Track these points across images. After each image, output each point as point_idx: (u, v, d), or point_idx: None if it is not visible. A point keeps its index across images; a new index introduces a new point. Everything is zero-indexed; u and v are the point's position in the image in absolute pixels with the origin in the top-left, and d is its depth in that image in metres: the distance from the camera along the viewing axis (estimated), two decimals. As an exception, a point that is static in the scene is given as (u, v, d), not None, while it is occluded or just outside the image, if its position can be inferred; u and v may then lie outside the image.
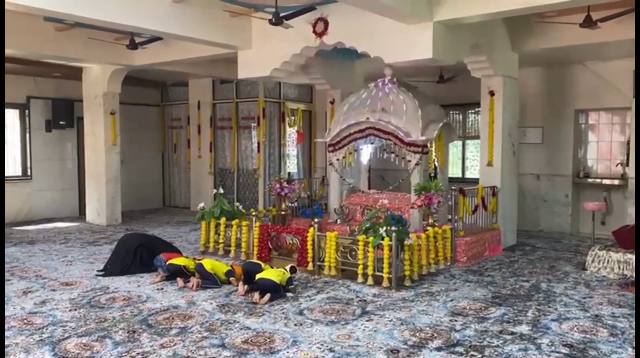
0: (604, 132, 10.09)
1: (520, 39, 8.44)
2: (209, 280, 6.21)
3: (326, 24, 7.55)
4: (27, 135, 11.56)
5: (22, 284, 6.37)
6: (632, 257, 6.59)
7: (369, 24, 7.05)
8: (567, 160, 10.11)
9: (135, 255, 6.99)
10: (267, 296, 5.63)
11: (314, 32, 7.65)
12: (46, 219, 11.45)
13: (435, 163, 7.97)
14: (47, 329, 4.81)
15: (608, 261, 6.87)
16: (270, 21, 6.47)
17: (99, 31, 8.48)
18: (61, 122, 11.73)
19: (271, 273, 5.92)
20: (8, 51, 8.52)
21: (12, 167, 11.47)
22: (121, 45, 8.80)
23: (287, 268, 6.18)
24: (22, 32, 8.14)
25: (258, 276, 5.90)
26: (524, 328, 4.88)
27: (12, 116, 11.42)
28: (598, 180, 9.94)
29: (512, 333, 4.77)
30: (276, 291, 5.73)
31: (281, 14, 6.55)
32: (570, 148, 10.08)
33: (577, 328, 4.90)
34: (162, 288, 6.18)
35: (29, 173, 11.60)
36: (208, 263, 6.36)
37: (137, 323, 4.96)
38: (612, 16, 6.83)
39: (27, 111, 11.50)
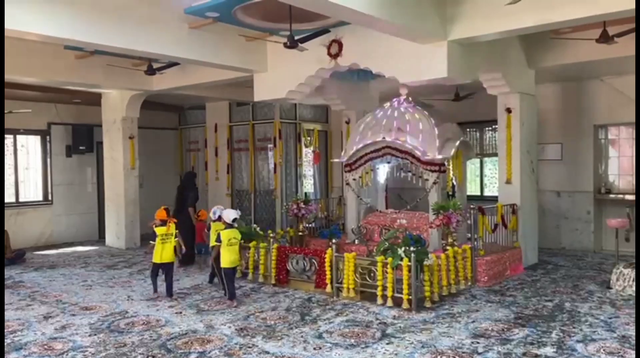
0: (624, 147, 9.94)
1: (536, 55, 8.40)
2: None
3: (340, 45, 7.60)
4: (48, 160, 11.76)
5: (43, 309, 6.41)
6: (658, 275, 6.42)
7: (383, 44, 7.08)
8: (587, 176, 9.96)
9: None
10: None
11: (329, 54, 7.70)
12: (66, 244, 11.57)
13: (453, 181, 7.91)
14: (67, 354, 4.83)
15: (633, 279, 6.69)
16: (285, 44, 6.54)
17: (117, 58, 8.65)
18: (81, 148, 11.93)
19: None
20: (29, 79, 8.75)
21: (34, 192, 11.67)
22: (139, 71, 8.96)
23: None
24: (43, 60, 8.35)
25: None
26: (548, 350, 4.76)
27: (33, 142, 11.66)
28: (620, 196, 9.76)
29: (537, 355, 4.66)
30: None
31: (296, 37, 6.62)
32: (590, 163, 9.94)
33: (604, 350, 4.77)
34: (181, 312, 6.17)
35: (49, 198, 11.77)
36: None
37: (156, 348, 4.95)
38: (628, 31, 6.77)
39: (48, 137, 11.72)
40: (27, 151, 11.58)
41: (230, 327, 5.57)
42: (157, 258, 6.85)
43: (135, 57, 8.49)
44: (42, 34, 5.95)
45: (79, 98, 11.23)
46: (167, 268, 6.93)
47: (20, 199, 11.35)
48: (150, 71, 8.46)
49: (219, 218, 7.30)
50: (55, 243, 11.55)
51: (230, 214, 6.83)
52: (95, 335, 5.38)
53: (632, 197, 9.58)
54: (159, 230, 6.86)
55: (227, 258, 6.53)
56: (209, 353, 4.82)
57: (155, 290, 6.99)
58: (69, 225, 11.95)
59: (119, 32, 6.55)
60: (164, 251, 6.84)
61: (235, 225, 6.82)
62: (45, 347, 5.05)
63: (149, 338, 5.23)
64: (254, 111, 12.61)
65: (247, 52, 8.11)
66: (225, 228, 6.67)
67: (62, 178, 11.90)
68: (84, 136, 11.96)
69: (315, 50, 7.59)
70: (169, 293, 6.87)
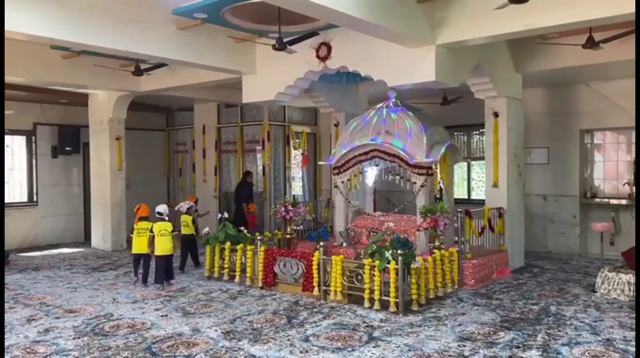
0: (610, 152, 10.05)
1: (523, 60, 8.47)
2: None
3: (329, 48, 7.61)
4: (34, 161, 11.64)
5: (26, 312, 6.32)
6: (642, 278, 6.48)
7: (371, 48, 7.09)
8: (573, 180, 10.06)
9: None
10: None
11: (318, 56, 7.71)
12: (51, 245, 11.45)
13: (441, 184, 7.93)
14: (50, 358, 4.76)
15: (618, 283, 6.76)
16: (274, 47, 6.53)
17: (104, 58, 8.58)
18: (67, 148, 11.83)
19: None
20: (15, 79, 8.64)
21: (19, 193, 11.54)
22: (127, 71, 8.89)
23: None
24: (29, 60, 8.25)
25: None
26: (534, 354, 4.79)
27: (18, 143, 11.53)
28: (605, 200, 9.86)
29: (522, 358, 4.68)
30: None
31: (285, 40, 6.61)
32: (576, 168, 10.04)
33: (589, 353, 4.80)
34: (167, 315, 6.12)
35: (35, 199, 11.64)
36: None
37: (141, 352, 4.90)
38: (614, 37, 6.85)
39: (33, 138, 11.60)
40: (12, 152, 11.44)
41: (216, 330, 5.53)
42: (134, 249, 7.83)
43: (122, 58, 8.44)
44: (28, 34, 5.88)
45: (66, 98, 11.13)
46: (144, 258, 7.74)
47: (5, 200, 11.19)
48: (138, 72, 8.40)
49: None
50: (40, 245, 11.42)
51: (157, 208, 7.91)
52: (79, 338, 5.31)
53: (617, 201, 9.70)
54: (139, 225, 7.74)
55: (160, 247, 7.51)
56: (195, 356, 4.78)
57: (136, 274, 7.85)
58: (55, 226, 11.82)
59: (106, 33, 6.49)
60: (139, 243, 7.70)
61: (166, 219, 7.78)
62: (28, 350, 4.97)
63: (134, 342, 5.18)
64: (243, 112, 12.58)
65: (236, 54, 8.09)
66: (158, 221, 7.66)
67: (48, 179, 11.78)
68: (71, 137, 11.86)
69: (304, 52, 7.58)
70: (144, 280, 7.68)
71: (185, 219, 8.83)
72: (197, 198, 9.66)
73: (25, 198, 11.59)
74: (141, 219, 7.79)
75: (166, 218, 7.75)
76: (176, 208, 9.06)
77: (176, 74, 9.30)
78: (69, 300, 6.90)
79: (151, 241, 7.57)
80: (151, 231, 7.53)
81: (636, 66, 6.37)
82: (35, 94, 10.49)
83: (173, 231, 7.72)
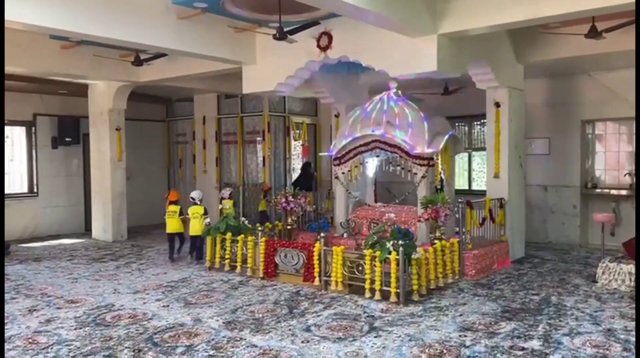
0: (611, 143, 10.02)
1: (525, 50, 8.42)
2: None
3: (330, 38, 7.56)
4: (34, 152, 11.61)
5: (28, 302, 6.33)
6: (643, 269, 6.48)
7: (373, 37, 7.05)
8: (574, 171, 10.04)
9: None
10: None
11: (318, 46, 7.66)
12: (52, 236, 11.45)
13: (442, 175, 7.92)
14: (52, 348, 4.77)
15: (619, 273, 6.76)
16: (274, 36, 6.49)
17: (104, 48, 8.54)
18: (67, 139, 11.79)
19: None
20: (14, 69, 8.59)
21: (19, 184, 11.52)
22: (126, 62, 8.85)
23: None
24: (28, 50, 8.20)
25: None
26: (535, 344, 4.80)
27: (18, 134, 11.49)
28: (606, 191, 9.84)
29: (523, 348, 4.68)
30: None
31: (285, 29, 6.57)
32: (577, 158, 10.01)
33: (590, 343, 4.81)
34: (168, 306, 6.13)
35: (35, 190, 11.63)
36: None
37: (143, 342, 4.91)
38: (617, 26, 6.80)
39: (33, 128, 11.56)
40: (11, 143, 11.41)
41: (217, 320, 5.54)
42: (167, 229, 8.82)
43: (122, 48, 8.39)
44: (27, 23, 5.82)
45: (65, 89, 11.08)
46: (178, 236, 8.80)
47: (5, 191, 11.18)
48: (138, 62, 8.37)
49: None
50: (40, 236, 11.42)
51: (191, 194, 9.05)
52: (80, 328, 5.32)
53: (617, 192, 9.69)
54: (170, 208, 8.78)
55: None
56: (196, 347, 4.79)
57: (170, 252, 8.79)
58: (55, 217, 11.82)
59: (106, 22, 6.45)
60: (170, 224, 8.71)
61: (198, 203, 8.84)
62: (30, 340, 4.98)
63: (136, 332, 5.19)
64: (243, 103, 12.53)
65: (236, 44, 8.04)
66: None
67: (48, 170, 11.76)
68: (70, 128, 11.83)
69: (304, 42, 7.53)
70: (170, 256, 8.77)
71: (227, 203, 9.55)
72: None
73: (25, 189, 11.57)
74: (171, 203, 8.85)
75: (198, 202, 8.77)
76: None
77: (176, 65, 9.25)
78: (70, 290, 6.91)
79: (186, 222, 8.69)
80: (180, 213, 8.69)
81: (636, 57, 6.34)
82: (34, 85, 10.44)
83: (204, 214, 8.61)
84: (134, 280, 7.46)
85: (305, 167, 11.86)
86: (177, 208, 8.71)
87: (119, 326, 5.39)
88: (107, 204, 11.04)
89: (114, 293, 6.76)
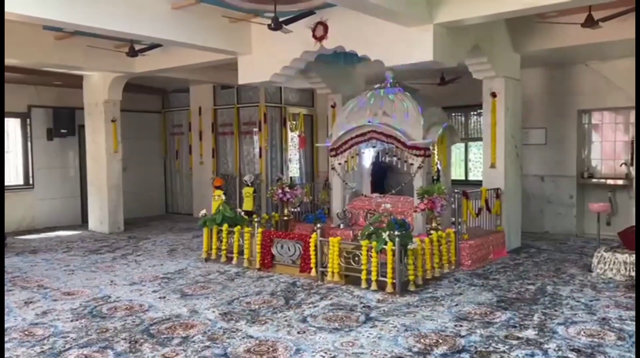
0: (607, 132, 10.03)
1: (521, 39, 8.39)
2: None
3: (326, 28, 7.51)
4: (29, 144, 11.56)
5: (24, 294, 6.33)
6: (638, 258, 6.51)
7: (368, 27, 7.01)
8: (571, 161, 10.05)
9: None
10: None
11: (314, 36, 7.62)
12: (48, 228, 11.44)
13: (438, 165, 7.91)
14: (48, 340, 4.77)
15: (614, 262, 6.79)
16: (269, 26, 6.45)
17: (98, 39, 8.47)
18: (62, 131, 11.74)
19: None
20: (8, 60, 8.51)
21: (14, 176, 11.48)
22: (121, 52, 8.79)
23: None
24: (22, 41, 8.14)
25: None
26: (530, 333, 4.82)
27: (13, 125, 11.43)
28: (602, 180, 9.87)
29: (519, 338, 4.70)
30: None
31: (280, 19, 6.53)
32: (574, 148, 10.02)
33: (584, 332, 4.83)
34: (164, 297, 6.14)
35: (30, 182, 11.60)
36: None
37: (139, 333, 4.92)
38: (613, 15, 6.77)
39: (28, 120, 11.50)
40: (7, 134, 11.35)
41: (214, 312, 5.55)
42: (212, 211, 9.18)
43: (117, 39, 8.34)
44: (21, 14, 5.78)
45: (60, 80, 11.01)
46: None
47: (0, 183, 11.16)
48: (132, 53, 8.30)
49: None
50: (37, 228, 11.41)
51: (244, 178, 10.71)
52: (77, 320, 5.32)
53: (613, 182, 9.71)
54: (215, 193, 9.89)
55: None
56: (192, 338, 4.79)
57: None
58: (51, 209, 11.79)
59: (100, 13, 6.40)
60: (215, 206, 9.11)
61: (249, 184, 10.44)
62: (26, 332, 4.98)
63: (132, 324, 5.19)
64: (239, 94, 12.49)
65: (231, 34, 7.99)
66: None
67: (44, 162, 11.72)
68: (66, 119, 11.76)
69: (300, 32, 7.49)
70: None
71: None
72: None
73: (21, 181, 11.53)
74: (216, 188, 10.02)
75: (249, 184, 10.40)
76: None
77: (171, 55, 9.20)
78: (67, 282, 6.91)
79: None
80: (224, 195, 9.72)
81: (636, 45, 6.32)
82: (29, 76, 10.37)
83: (254, 192, 10.22)
84: (131, 271, 7.47)
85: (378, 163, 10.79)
86: (220, 192, 9.74)
87: (115, 318, 5.39)
88: (103, 196, 11.02)
89: (110, 284, 6.75)
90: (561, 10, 6.89)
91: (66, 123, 11.77)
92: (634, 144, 9.16)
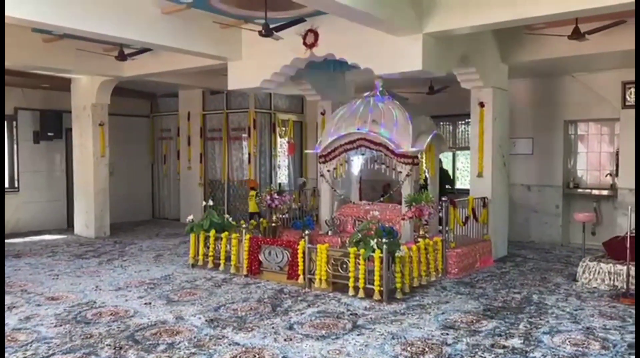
0: (593, 143, 10.16)
1: (509, 50, 8.49)
2: None
3: (316, 35, 7.54)
4: (15, 146, 11.44)
5: (7, 299, 6.23)
6: (622, 268, 6.56)
7: (359, 35, 7.05)
8: (557, 171, 10.15)
9: None
10: None
11: (304, 43, 7.64)
12: (33, 232, 11.30)
13: (426, 174, 7.96)
14: (31, 346, 4.70)
15: (599, 272, 6.85)
16: (260, 33, 6.46)
17: (87, 42, 8.43)
18: (49, 134, 11.64)
19: None
20: (-5, 62, 8.45)
21: (-1, 179, 11.33)
22: (110, 56, 8.75)
23: None
24: (9, 43, 7.99)
25: None
26: (515, 342, 4.84)
27: (-1, 128, 11.30)
28: (588, 190, 9.98)
29: (504, 346, 4.73)
30: None
31: (271, 26, 6.54)
32: (560, 158, 10.12)
33: (569, 341, 4.87)
34: (150, 303, 6.08)
35: (16, 185, 11.47)
36: None
37: (124, 339, 4.87)
38: (599, 28, 6.89)
39: (14, 123, 11.39)
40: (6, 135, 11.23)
41: (200, 318, 5.51)
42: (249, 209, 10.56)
43: (106, 42, 8.29)
44: (8, 16, 5.72)
45: (48, 83, 10.93)
46: (257, 214, 10.00)
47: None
48: (122, 57, 8.26)
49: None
50: (21, 231, 11.27)
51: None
52: (60, 325, 5.26)
53: (598, 192, 9.83)
54: (250, 193, 10.57)
55: None
56: (178, 344, 4.76)
57: None
58: (36, 212, 11.67)
59: (89, 16, 6.37)
60: (251, 205, 10.43)
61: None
62: (9, 338, 4.91)
63: (117, 329, 5.14)
64: (228, 99, 12.48)
65: (221, 40, 7.99)
66: None
67: (30, 165, 11.60)
68: (53, 122, 11.67)
69: (290, 39, 7.50)
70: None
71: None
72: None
73: (6, 184, 11.39)
74: (251, 188, 10.74)
75: (302, 186, 10.96)
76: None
77: (161, 60, 9.18)
78: (51, 287, 6.83)
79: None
80: (257, 195, 9.90)
81: (636, 57, 6.38)
82: (16, 78, 10.27)
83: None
84: (116, 276, 7.40)
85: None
86: (254, 193, 10.36)
87: (100, 323, 5.34)
88: (89, 200, 10.92)
89: (95, 290, 6.69)
90: (549, 22, 6.98)
91: (53, 126, 11.68)
92: (618, 155, 9.28)
